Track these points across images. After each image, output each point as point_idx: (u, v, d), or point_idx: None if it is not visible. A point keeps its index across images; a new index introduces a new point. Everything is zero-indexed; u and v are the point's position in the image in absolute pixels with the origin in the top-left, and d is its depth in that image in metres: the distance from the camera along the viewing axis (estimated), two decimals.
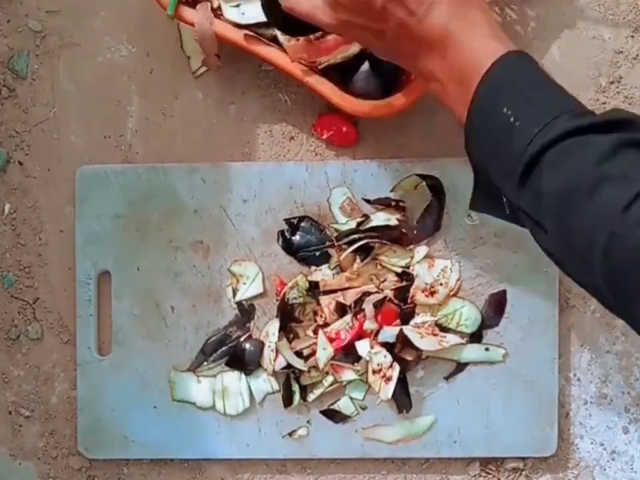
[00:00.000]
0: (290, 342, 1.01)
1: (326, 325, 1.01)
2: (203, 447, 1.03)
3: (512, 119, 0.73)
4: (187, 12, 0.98)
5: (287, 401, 1.01)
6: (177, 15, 0.98)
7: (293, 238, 1.02)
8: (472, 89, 0.76)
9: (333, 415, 1.01)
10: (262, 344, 1.02)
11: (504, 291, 1.01)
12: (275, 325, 1.01)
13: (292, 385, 1.01)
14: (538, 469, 1.02)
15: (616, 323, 1.02)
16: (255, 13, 0.96)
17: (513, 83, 0.75)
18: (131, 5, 1.05)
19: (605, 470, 1.02)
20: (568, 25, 1.02)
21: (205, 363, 1.03)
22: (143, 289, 1.03)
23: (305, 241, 1.02)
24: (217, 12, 0.98)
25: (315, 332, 1.01)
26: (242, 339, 1.02)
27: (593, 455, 1.02)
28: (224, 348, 1.02)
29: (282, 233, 1.02)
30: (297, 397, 1.01)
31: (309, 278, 1.01)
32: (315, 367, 1.00)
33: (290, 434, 1.02)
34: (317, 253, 1.02)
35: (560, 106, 0.73)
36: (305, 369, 1.00)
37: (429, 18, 0.79)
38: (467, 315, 1.00)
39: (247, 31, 0.97)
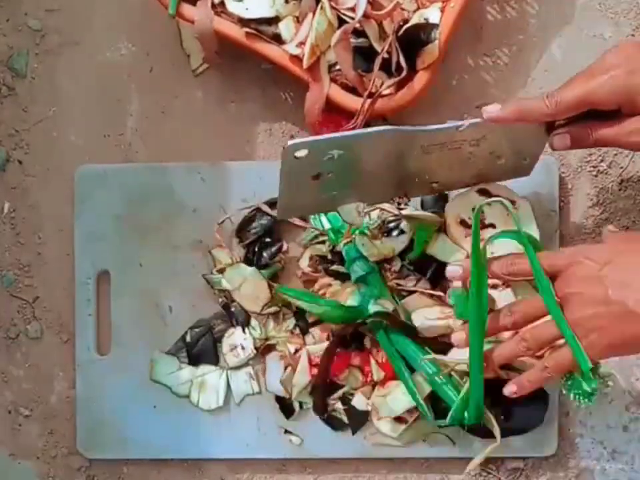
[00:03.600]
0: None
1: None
2: (203, 447, 1.03)
3: None
4: (187, 9, 0.98)
5: (287, 413, 1.01)
6: (178, 13, 0.98)
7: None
8: None
9: (333, 423, 1.01)
10: (215, 340, 1.02)
11: None
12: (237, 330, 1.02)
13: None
14: (538, 468, 1.02)
15: None
16: (258, 8, 0.96)
17: None
18: (131, 4, 1.06)
19: (605, 469, 1.02)
20: (568, 23, 1.02)
21: (183, 351, 1.03)
22: (142, 288, 1.03)
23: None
24: (217, 9, 0.98)
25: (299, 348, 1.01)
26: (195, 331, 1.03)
27: (593, 454, 1.02)
28: (202, 340, 1.02)
29: (254, 252, 1.02)
30: (296, 405, 1.01)
31: None
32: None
33: (289, 433, 1.02)
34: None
35: None
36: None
37: None
38: None
39: (247, 29, 0.97)
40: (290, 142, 0.85)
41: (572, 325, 0.84)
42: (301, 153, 0.85)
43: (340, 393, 0.99)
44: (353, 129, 0.96)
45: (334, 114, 1.00)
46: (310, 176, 0.88)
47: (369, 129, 0.88)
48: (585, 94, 0.86)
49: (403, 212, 0.97)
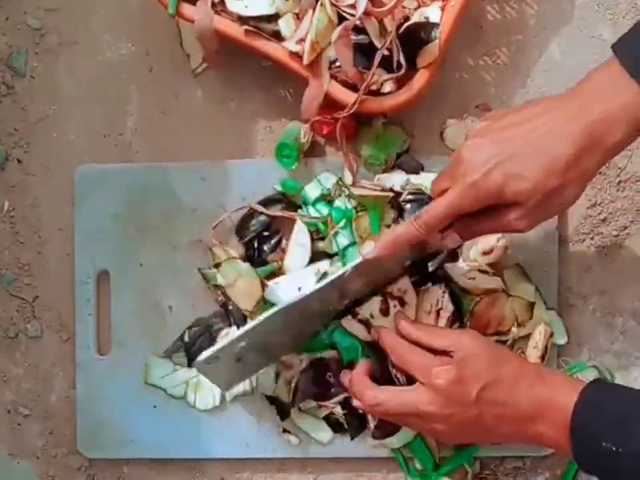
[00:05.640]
0: None
1: None
2: (203, 447, 1.03)
3: (614, 448, 0.80)
4: (187, 9, 0.98)
5: (282, 415, 1.01)
6: (178, 12, 0.98)
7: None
8: (567, 431, 0.83)
9: (333, 426, 1.01)
10: (213, 339, 1.02)
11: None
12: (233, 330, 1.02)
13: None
14: (537, 467, 1.02)
15: (615, 322, 1.01)
16: (258, 5, 0.96)
17: (599, 418, 0.82)
18: (131, 3, 1.06)
19: None
20: (568, 24, 1.02)
21: (181, 351, 1.03)
22: (142, 288, 1.03)
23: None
24: (217, 8, 0.98)
25: None
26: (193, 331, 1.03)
27: None
28: (200, 339, 1.02)
29: (254, 248, 1.02)
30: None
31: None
32: None
33: (289, 433, 1.02)
34: None
35: None
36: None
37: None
38: None
39: (247, 27, 0.97)
40: (198, 359, 0.92)
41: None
42: (212, 361, 0.93)
43: (340, 397, 0.99)
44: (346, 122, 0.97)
45: (333, 110, 1.00)
46: (233, 360, 0.95)
47: (266, 314, 0.92)
48: (451, 209, 0.86)
49: (354, 190, 0.98)
